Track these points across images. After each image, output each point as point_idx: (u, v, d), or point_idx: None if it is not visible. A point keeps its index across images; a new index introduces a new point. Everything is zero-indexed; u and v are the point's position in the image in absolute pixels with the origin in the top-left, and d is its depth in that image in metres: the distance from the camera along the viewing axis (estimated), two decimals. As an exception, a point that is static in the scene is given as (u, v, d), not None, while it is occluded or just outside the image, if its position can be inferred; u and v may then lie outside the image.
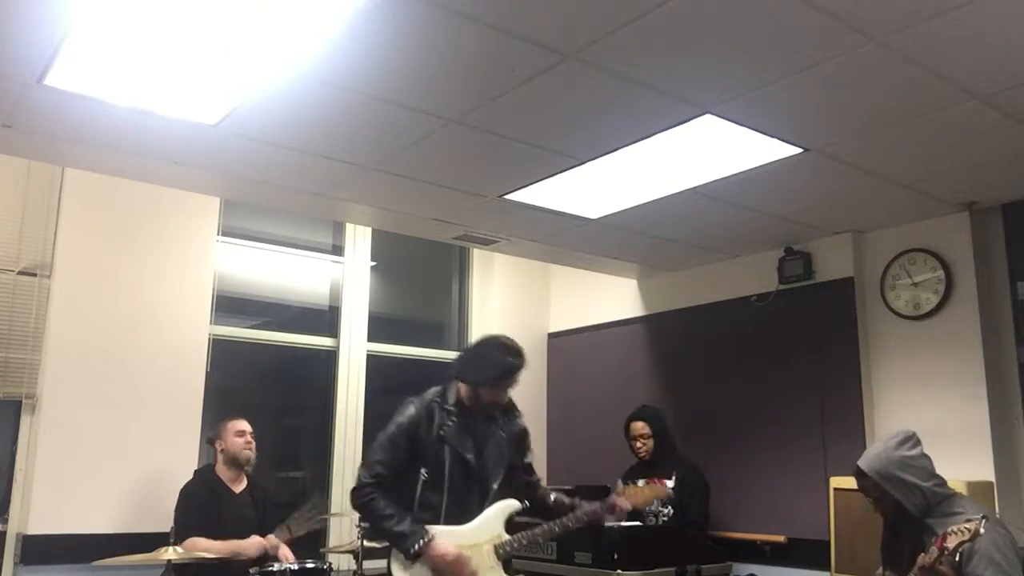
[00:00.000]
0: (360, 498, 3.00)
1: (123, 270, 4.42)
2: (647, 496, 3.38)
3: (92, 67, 2.74)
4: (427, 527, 2.94)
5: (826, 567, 4.01)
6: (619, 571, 3.76)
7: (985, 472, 3.79)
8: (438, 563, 2.90)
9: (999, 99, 2.93)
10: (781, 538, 4.48)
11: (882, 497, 2.74)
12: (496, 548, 3.01)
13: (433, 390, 3.17)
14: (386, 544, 3.13)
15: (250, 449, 4.05)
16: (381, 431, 3.10)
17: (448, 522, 2.99)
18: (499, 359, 3.09)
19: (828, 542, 4.01)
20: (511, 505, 3.11)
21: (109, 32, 2.54)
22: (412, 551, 2.89)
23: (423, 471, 3.01)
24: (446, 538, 2.94)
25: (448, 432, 3.04)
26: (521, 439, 3.27)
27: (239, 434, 4.03)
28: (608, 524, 4.02)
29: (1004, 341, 4.06)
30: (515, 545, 3.03)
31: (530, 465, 3.34)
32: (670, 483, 4.47)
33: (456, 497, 3.02)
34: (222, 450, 4.04)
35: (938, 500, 2.69)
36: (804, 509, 4.38)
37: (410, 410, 3.08)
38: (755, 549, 4.56)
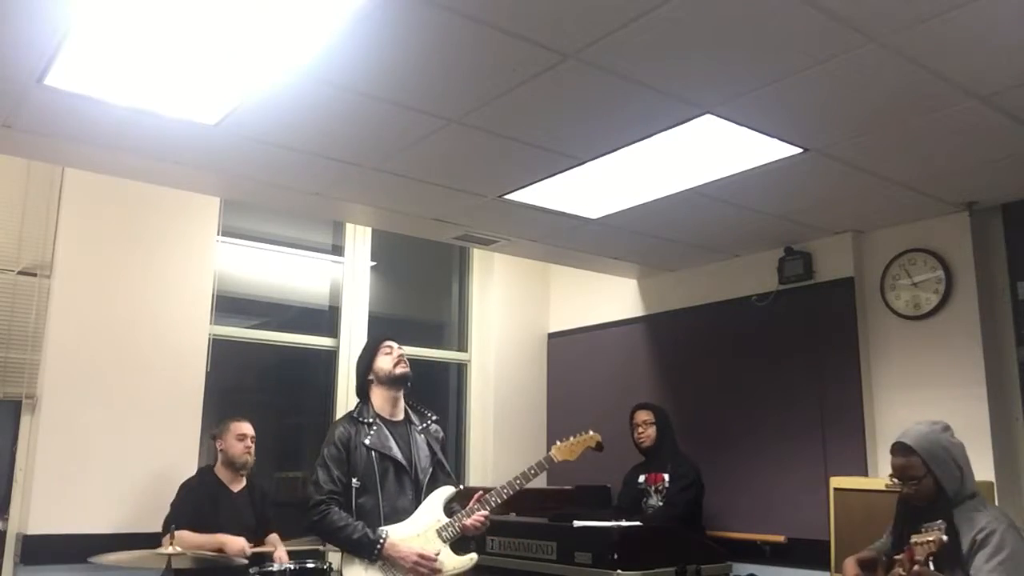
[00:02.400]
0: (315, 515, 3.15)
1: (123, 270, 4.42)
2: (575, 448, 3.49)
3: (92, 67, 2.74)
4: (381, 528, 3.11)
5: (826, 567, 4.00)
6: (619, 571, 3.76)
7: (985, 472, 3.78)
8: (400, 564, 3.08)
9: (999, 99, 2.93)
10: (781, 538, 4.48)
11: (924, 477, 2.75)
12: (439, 532, 3.19)
13: (350, 410, 3.40)
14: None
15: (249, 454, 4.07)
16: (318, 456, 3.28)
17: (388, 522, 3.16)
18: (368, 340, 3.58)
19: (828, 542, 4.00)
20: (446, 490, 3.30)
21: (109, 32, 2.54)
22: (374, 555, 3.07)
23: (354, 481, 3.18)
24: (396, 534, 3.12)
25: (372, 439, 3.24)
26: (441, 441, 3.48)
27: (240, 438, 4.05)
28: (608, 524, 4.05)
29: (1004, 341, 4.06)
30: (456, 526, 3.20)
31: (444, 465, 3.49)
32: (666, 477, 4.53)
33: (390, 497, 3.20)
34: (222, 450, 4.08)
35: (970, 492, 2.72)
36: (804, 509, 4.38)
37: (339, 429, 3.28)
38: (755, 549, 4.56)
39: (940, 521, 2.43)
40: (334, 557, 4.44)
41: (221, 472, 4.07)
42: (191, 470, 4.26)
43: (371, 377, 3.38)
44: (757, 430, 4.71)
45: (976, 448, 3.82)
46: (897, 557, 2.53)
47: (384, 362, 3.35)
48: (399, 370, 3.34)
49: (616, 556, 3.80)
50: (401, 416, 3.39)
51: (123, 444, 4.27)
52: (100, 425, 4.23)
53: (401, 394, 3.41)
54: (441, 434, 3.50)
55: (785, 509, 4.50)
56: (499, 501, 3.26)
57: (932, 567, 2.41)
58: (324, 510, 3.13)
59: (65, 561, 3.97)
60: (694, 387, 5.10)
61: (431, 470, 3.32)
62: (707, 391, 5.02)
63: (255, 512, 4.07)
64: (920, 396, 4.13)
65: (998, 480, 3.77)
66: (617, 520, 4.15)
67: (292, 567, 3.64)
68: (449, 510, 3.27)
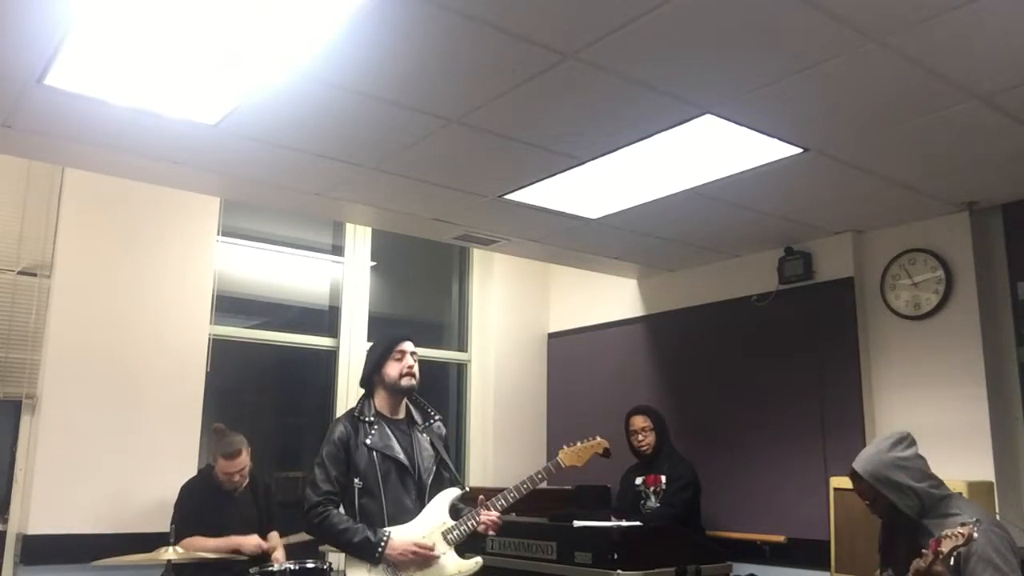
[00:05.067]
0: (314, 518, 3.08)
1: (123, 270, 4.42)
2: (583, 454, 3.44)
3: (92, 67, 2.74)
4: (383, 529, 3.05)
5: (826, 567, 4.01)
6: (619, 571, 3.76)
7: (985, 472, 3.79)
8: (399, 560, 3.02)
9: (999, 99, 2.93)
10: (781, 538, 4.48)
11: (877, 499, 2.74)
12: (444, 535, 3.11)
13: (351, 408, 3.30)
14: None
15: (239, 481, 3.99)
16: (317, 455, 3.20)
17: (392, 523, 3.08)
18: (383, 337, 3.35)
19: (828, 542, 4.00)
20: (451, 492, 3.22)
21: (109, 32, 2.54)
22: (376, 556, 3.00)
23: (356, 481, 3.10)
24: (399, 535, 3.05)
25: (373, 439, 3.17)
26: (444, 439, 3.40)
27: (227, 475, 3.96)
28: (608, 524, 4.05)
29: (1004, 341, 4.06)
30: (462, 528, 3.12)
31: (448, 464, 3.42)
32: (663, 478, 4.54)
33: (394, 498, 3.12)
34: (214, 468, 4.00)
35: (933, 501, 2.68)
36: (804, 509, 4.38)
37: (339, 428, 3.20)
38: (755, 549, 4.56)
39: (976, 518, 2.39)
40: (334, 557, 4.45)
41: None
42: (191, 470, 4.27)
43: (377, 378, 3.28)
44: (757, 430, 4.71)
45: (976, 448, 3.85)
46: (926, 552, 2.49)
47: (392, 369, 3.23)
48: (405, 383, 3.23)
49: (616, 556, 3.80)
50: (403, 415, 3.31)
51: (123, 444, 4.28)
52: (100, 425, 4.23)
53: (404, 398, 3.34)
54: (443, 431, 3.42)
55: (785, 509, 4.50)
56: (505, 504, 3.20)
57: (953, 561, 2.38)
58: (323, 512, 3.07)
59: (65, 561, 3.97)
60: (694, 387, 5.10)
61: (434, 470, 3.25)
62: (707, 391, 5.02)
63: (258, 508, 4.07)
64: (920, 396, 4.13)
65: (998, 480, 3.77)
66: (616, 520, 4.16)
67: (292, 567, 3.64)
68: (455, 512, 3.19)
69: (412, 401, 3.36)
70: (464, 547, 3.19)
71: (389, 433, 3.22)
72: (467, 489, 3.30)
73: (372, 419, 3.22)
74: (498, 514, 3.16)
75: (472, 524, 3.12)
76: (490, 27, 2.47)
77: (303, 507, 3.15)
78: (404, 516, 3.12)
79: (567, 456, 3.42)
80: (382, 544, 3.01)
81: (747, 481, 4.70)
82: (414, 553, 3.02)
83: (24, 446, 4.16)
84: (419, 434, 3.29)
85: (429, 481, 3.22)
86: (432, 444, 3.30)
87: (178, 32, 2.53)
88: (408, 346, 3.27)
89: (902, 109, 3.01)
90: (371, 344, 3.43)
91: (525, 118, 3.11)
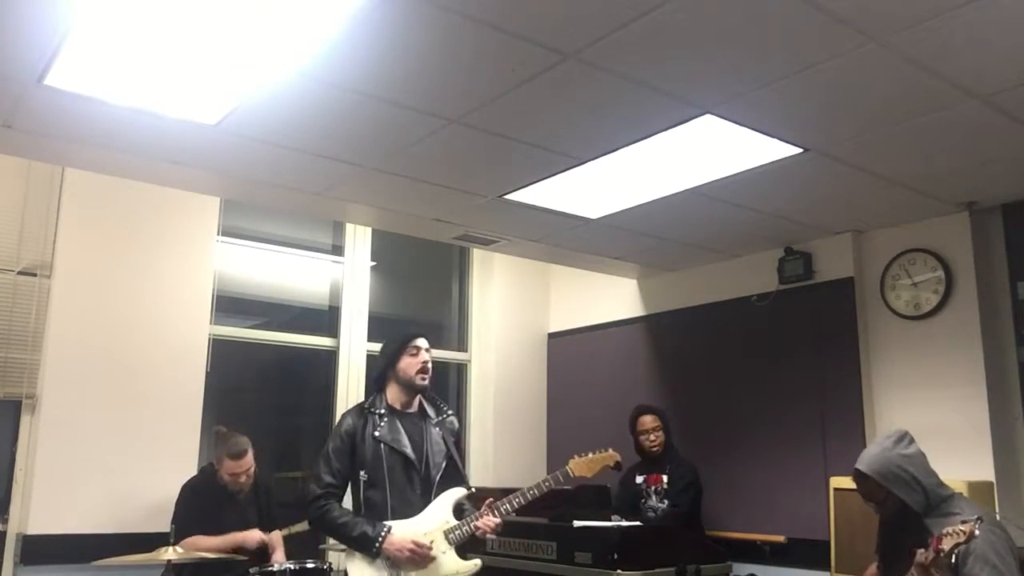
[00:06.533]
0: (315, 511, 3.11)
1: (123, 270, 4.42)
2: (594, 465, 3.39)
3: (92, 67, 2.74)
4: (383, 523, 3.06)
5: (826, 567, 4.01)
6: (619, 571, 3.76)
7: (985, 472, 3.79)
8: (396, 556, 3.03)
9: (999, 99, 2.93)
10: (781, 538, 4.48)
11: (886, 499, 2.74)
12: (446, 534, 3.10)
13: (363, 400, 3.32)
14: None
15: (243, 483, 3.97)
16: (323, 447, 3.21)
17: (395, 517, 3.09)
18: (398, 334, 3.36)
19: (828, 542, 4.01)
20: (457, 492, 3.21)
21: (109, 32, 2.54)
22: (374, 550, 3.03)
23: (362, 473, 3.12)
24: (400, 530, 3.05)
25: (382, 431, 3.17)
26: (456, 434, 3.40)
27: (232, 476, 3.94)
28: (608, 524, 4.05)
29: (1004, 341, 4.06)
30: (464, 529, 3.11)
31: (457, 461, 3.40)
32: (665, 478, 4.55)
33: (399, 492, 3.12)
34: (218, 470, 3.98)
35: (938, 499, 2.69)
36: (804, 509, 4.38)
37: (347, 420, 3.22)
38: (755, 549, 4.56)
39: (977, 516, 2.39)
40: (334, 557, 4.45)
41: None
42: (191, 470, 4.27)
43: (390, 372, 3.28)
44: (757, 430, 4.71)
45: (976, 448, 3.85)
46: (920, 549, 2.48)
47: (408, 365, 3.25)
48: (420, 381, 3.26)
49: (616, 556, 3.80)
50: (415, 408, 3.31)
51: (123, 444, 4.28)
52: (100, 425, 4.23)
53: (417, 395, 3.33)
54: (456, 426, 3.42)
55: (785, 509, 4.51)
56: (510, 510, 3.16)
57: (954, 560, 2.38)
58: (324, 505, 3.09)
59: (65, 561, 3.97)
60: (694, 387, 5.09)
61: (444, 465, 3.23)
62: (707, 391, 5.02)
63: (259, 509, 4.07)
64: (920, 396, 4.13)
65: (998, 480, 3.77)
66: (617, 520, 4.16)
67: (292, 567, 3.64)
68: (459, 511, 3.18)
69: (425, 397, 3.36)
70: (465, 547, 3.17)
71: (399, 426, 3.21)
72: (473, 489, 3.28)
73: (383, 411, 3.22)
74: (498, 519, 3.12)
75: (474, 526, 3.10)
76: (490, 27, 2.47)
77: (306, 500, 3.16)
78: (409, 510, 3.12)
79: (577, 466, 3.36)
80: (380, 538, 3.02)
81: (747, 481, 4.70)
82: (411, 551, 3.02)
83: (24, 446, 4.16)
84: (431, 428, 3.28)
85: (438, 477, 3.20)
86: (444, 439, 3.29)
87: (178, 32, 2.53)
88: (423, 343, 3.30)
89: (902, 109, 3.01)
90: (385, 341, 3.43)
91: (525, 118, 3.11)
